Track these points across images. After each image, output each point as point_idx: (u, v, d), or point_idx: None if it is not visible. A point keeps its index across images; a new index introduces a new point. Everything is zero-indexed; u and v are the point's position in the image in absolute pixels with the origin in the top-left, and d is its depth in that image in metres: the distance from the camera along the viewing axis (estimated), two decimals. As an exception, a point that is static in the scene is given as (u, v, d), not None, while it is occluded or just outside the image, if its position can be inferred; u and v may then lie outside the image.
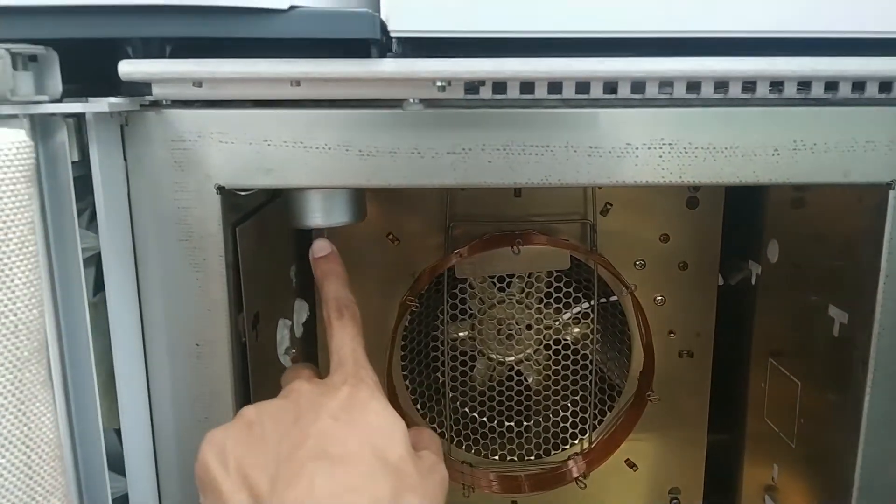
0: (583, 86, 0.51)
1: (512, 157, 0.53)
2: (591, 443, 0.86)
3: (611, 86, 0.52)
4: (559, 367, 0.86)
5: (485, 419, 0.88)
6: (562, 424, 0.87)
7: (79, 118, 0.48)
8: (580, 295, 0.85)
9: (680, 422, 0.88)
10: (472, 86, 0.51)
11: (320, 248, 0.61)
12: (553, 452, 0.88)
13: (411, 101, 0.51)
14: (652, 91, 0.51)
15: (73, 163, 0.48)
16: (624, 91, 0.51)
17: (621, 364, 0.86)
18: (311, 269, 0.81)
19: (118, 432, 0.55)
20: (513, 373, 0.88)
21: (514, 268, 0.82)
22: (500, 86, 0.51)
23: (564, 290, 0.84)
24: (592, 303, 0.83)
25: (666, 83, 0.51)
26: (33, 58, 0.46)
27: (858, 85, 0.52)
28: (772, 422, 0.78)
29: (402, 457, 0.46)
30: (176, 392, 0.56)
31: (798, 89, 0.53)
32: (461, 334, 0.86)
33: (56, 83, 0.46)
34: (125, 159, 0.52)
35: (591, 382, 0.86)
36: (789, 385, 0.74)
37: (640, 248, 0.83)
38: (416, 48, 0.49)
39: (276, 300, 0.72)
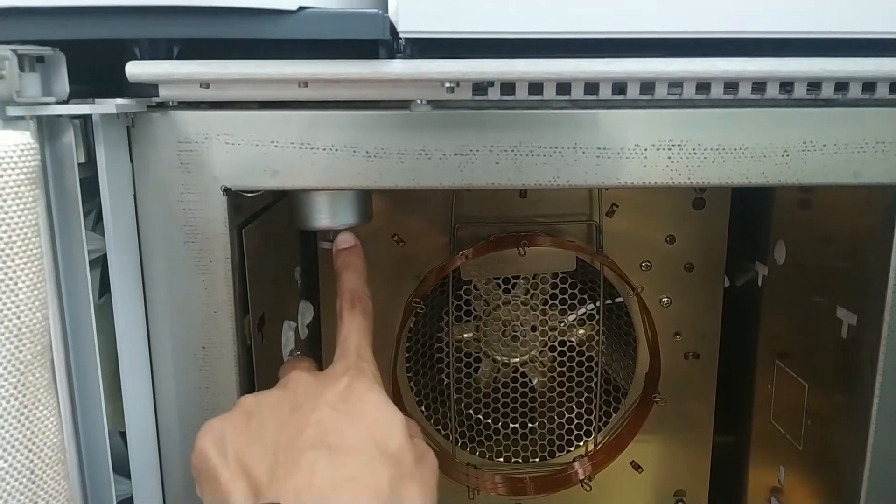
0: (591, 86, 0.51)
1: (520, 158, 0.53)
2: (596, 445, 0.86)
3: (619, 86, 0.52)
4: (564, 369, 0.86)
5: (489, 421, 0.88)
6: (567, 426, 0.87)
7: (85, 119, 0.48)
8: (585, 296, 0.84)
9: (685, 423, 0.87)
10: (481, 87, 0.50)
11: (344, 239, 0.61)
12: (558, 454, 0.87)
13: (419, 102, 0.51)
14: (661, 92, 0.51)
15: (79, 164, 0.47)
16: (633, 92, 0.51)
17: (627, 366, 0.86)
18: (316, 271, 0.81)
19: (123, 434, 0.55)
20: (517, 374, 0.87)
21: (520, 269, 0.82)
22: (508, 86, 0.51)
23: (569, 291, 0.84)
24: (598, 304, 0.83)
25: (675, 84, 0.51)
26: (40, 59, 0.45)
27: (869, 86, 0.52)
28: (778, 424, 0.78)
29: (402, 446, 0.46)
30: (181, 394, 0.56)
31: (808, 90, 0.52)
32: (466, 336, 0.86)
33: (63, 84, 0.45)
34: (131, 161, 0.51)
35: (596, 384, 0.85)
36: (796, 387, 0.73)
37: (646, 249, 0.83)
38: (424, 49, 0.49)
39: (281, 302, 0.72)
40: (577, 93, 0.51)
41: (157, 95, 0.50)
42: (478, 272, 0.82)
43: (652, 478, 0.89)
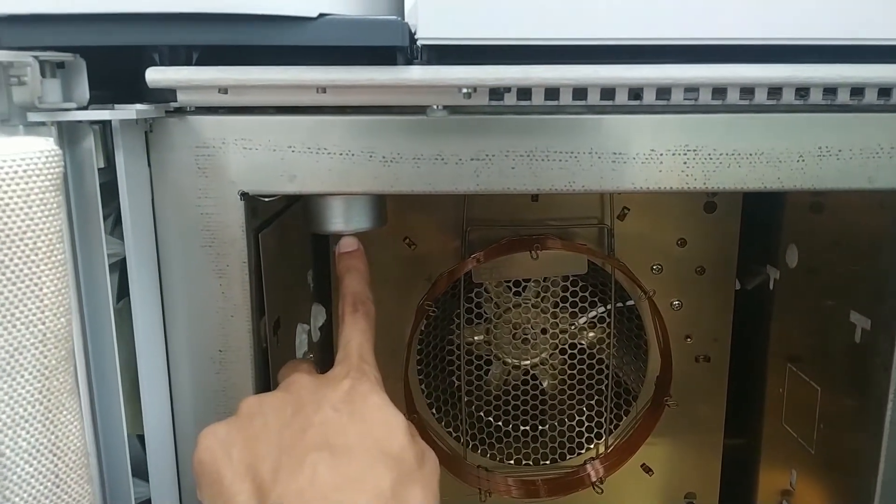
0: (607, 92, 0.51)
1: (536, 163, 0.53)
2: (607, 447, 0.86)
3: (635, 92, 0.52)
4: (575, 372, 0.86)
5: (500, 423, 0.88)
6: (578, 429, 0.87)
7: (105, 125, 0.48)
8: (596, 299, 0.85)
9: (696, 426, 0.87)
10: (497, 92, 0.51)
11: (347, 244, 0.62)
12: (569, 457, 0.87)
13: (435, 107, 0.51)
14: (677, 97, 0.51)
15: (98, 169, 0.48)
16: (649, 97, 0.51)
17: (637, 368, 0.86)
18: (328, 274, 0.82)
19: (140, 438, 0.55)
20: (528, 377, 0.88)
21: (532, 272, 0.82)
22: (524, 92, 0.51)
23: (580, 294, 0.84)
24: (609, 307, 0.83)
25: (691, 89, 0.51)
26: (61, 65, 0.46)
27: (884, 91, 0.52)
28: (790, 427, 0.78)
29: (404, 447, 0.46)
30: (198, 398, 0.56)
31: (824, 95, 0.52)
32: (476, 338, 0.86)
33: (83, 90, 0.46)
34: (149, 165, 0.52)
35: (607, 387, 0.85)
36: (808, 390, 0.73)
37: (658, 252, 0.83)
38: (441, 55, 0.49)
39: (294, 305, 0.72)
40: (594, 98, 0.51)
41: (175, 101, 0.51)
42: (489, 275, 0.82)
43: (663, 481, 0.89)
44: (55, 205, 0.39)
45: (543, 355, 0.87)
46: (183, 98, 0.50)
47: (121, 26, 0.44)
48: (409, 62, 0.49)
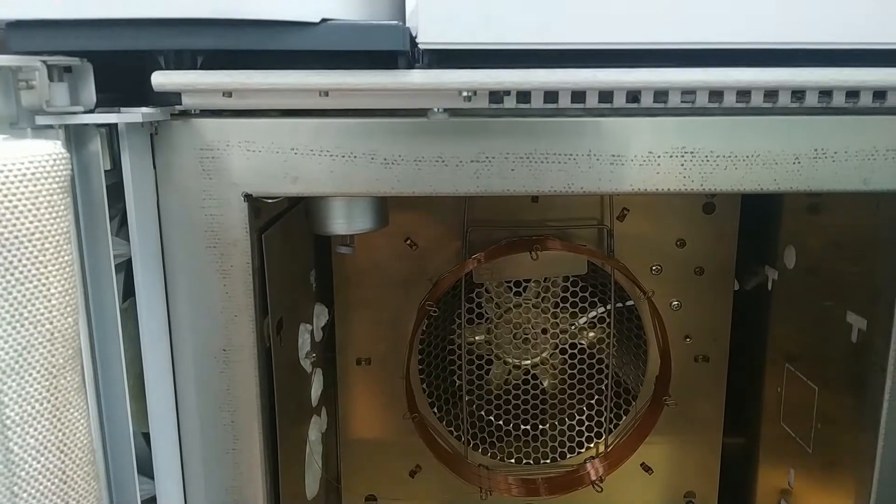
0: (606, 95, 0.52)
1: (535, 165, 0.54)
2: (607, 446, 0.87)
3: (633, 95, 0.52)
4: (575, 371, 0.87)
5: (501, 422, 0.89)
6: (578, 428, 0.88)
7: (111, 127, 0.49)
8: (596, 299, 0.85)
9: (695, 426, 0.88)
10: (497, 95, 0.51)
11: None
12: (569, 455, 0.88)
13: (436, 110, 0.52)
14: (675, 100, 0.52)
15: (105, 171, 0.48)
16: (647, 100, 0.52)
17: (637, 368, 0.87)
18: (330, 274, 0.82)
19: (145, 435, 0.56)
20: (529, 376, 0.88)
21: (532, 273, 0.83)
22: (524, 95, 0.52)
23: (580, 294, 0.85)
24: (609, 307, 0.84)
25: (688, 92, 0.52)
26: (68, 69, 0.46)
27: (879, 94, 0.53)
28: (788, 426, 0.78)
29: None
30: (202, 396, 0.57)
31: (819, 98, 0.53)
32: (478, 338, 0.87)
33: (90, 94, 0.47)
34: (154, 167, 0.52)
35: (607, 386, 0.86)
36: (806, 390, 0.74)
37: (657, 253, 0.83)
38: (442, 59, 0.50)
39: (297, 305, 0.73)
40: (592, 101, 0.52)
41: (180, 103, 0.51)
42: (490, 276, 0.83)
43: (662, 479, 0.90)
44: (63, 207, 0.40)
45: (544, 355, 0.88)
46: (188, 101, 0.51)
47: (127, 31, 0.45)
48: (411, 65, 0.50)
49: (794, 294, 0.78)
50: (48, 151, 0.39)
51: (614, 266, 0.81)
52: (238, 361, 0.56)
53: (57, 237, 0.40)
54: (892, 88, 0.53)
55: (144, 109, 0.48)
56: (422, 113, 0.53)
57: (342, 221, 0.62)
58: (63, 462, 0.41)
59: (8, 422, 0.38)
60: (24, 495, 0.39)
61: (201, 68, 0.49)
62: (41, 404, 0.40)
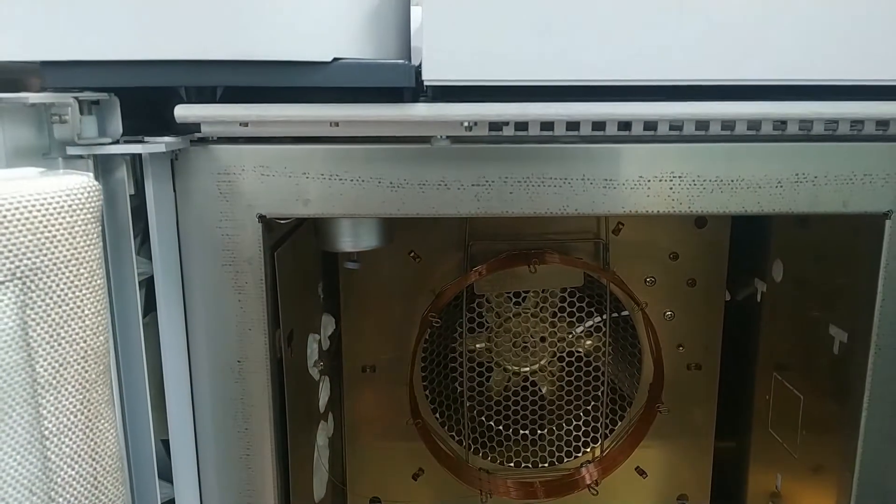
0: (599, 124, 0.55)
1: (532, 188, 0.57)
2: (602, 451, 0.90)
3: (625, 123, 0.56)
4: (572, 378, 0.90)
5: (501, 427, 0.92)
6: (575, 433, 0.91)
7: (135, 155, 0.52)
8: (593, 309, 0.89)
9: (688, 431, 0.91)
10: (497, 124, 0.55)
11: None
12: (566, 460, 0.91)
13: (439, 137, 0.55)
14: (663, 129, 0.55)
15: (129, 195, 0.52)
16: (637, 129, 0.55)
17: (632, 376, 0.90)
18: (337, 286, 0.86)
19: (164, 443, 0.59)
20: (528, 383, 0.91)
21: (531, 284, 0.86)
22: (522, 124, 0.55)
23: (577, 304, 0.88)
24: (604, 317, 0.87)
25: (676, 123, 0.55)
26: (95, 102, 0.50)
27: (856, 123, 0.56)
28: (776, 433, 0.82)
29: None
30: (217, 405, 0.60)
31: (800, 127, 0.56)
32: (479, 346, 0.90)
33: (117, 126, 0.50)
34: (174, 190, 0.56)
35: (603, 393, 0.89)
36: (792, 398, 0.77)
37: (651, 265, 0.87)
38: (444, 92, 0.53)
39: (306, 316, 0.76)
40: (586, 129, 0.55)
41: (199, 131, 0.55)
42: (491, 287, 0.86)
43: (656, 483, 0.93)
44: (95, 235, 0.43)
45: (542, 362, 0.91)
46: (207, 129, 0.54)
47: (154, 70, 0.48)
48: (416, 97, 0.53)
49: (781, 306, 0.82)
50: (83, 184, 0.42)
51: (610, 278, 0.84)
52: (251, 372, 0.60)
53: (90, 263, 0.43)
54: (869, 119, 0.56)
55: (167, 139, 0.51)
56: (425, 140, 0.56)
57: (349, 240, 0.66)
58: (95, 469, 0.45)
59: (46, 433, 0.42)
60: (60, 500, 0.43)
61: (220, 100, 0.53)
62: (76, 416, 0.43)
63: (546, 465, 0.91)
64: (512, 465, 0.92)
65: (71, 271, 0.42)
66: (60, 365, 0.42)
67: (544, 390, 0.92)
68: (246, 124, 0.53)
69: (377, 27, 0.52)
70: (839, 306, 0.68)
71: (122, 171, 0.51)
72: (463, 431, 0.90)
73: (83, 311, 0.43)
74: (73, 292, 0.42)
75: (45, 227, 0.40)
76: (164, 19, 0.47)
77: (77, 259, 0.42)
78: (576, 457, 0.91)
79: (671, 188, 0.57)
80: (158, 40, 0.47)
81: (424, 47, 0.49)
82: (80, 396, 0.43)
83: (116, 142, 0.50)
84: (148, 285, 0.56)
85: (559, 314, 0.89)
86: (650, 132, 0.56)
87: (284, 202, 0.57)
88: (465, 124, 0.53)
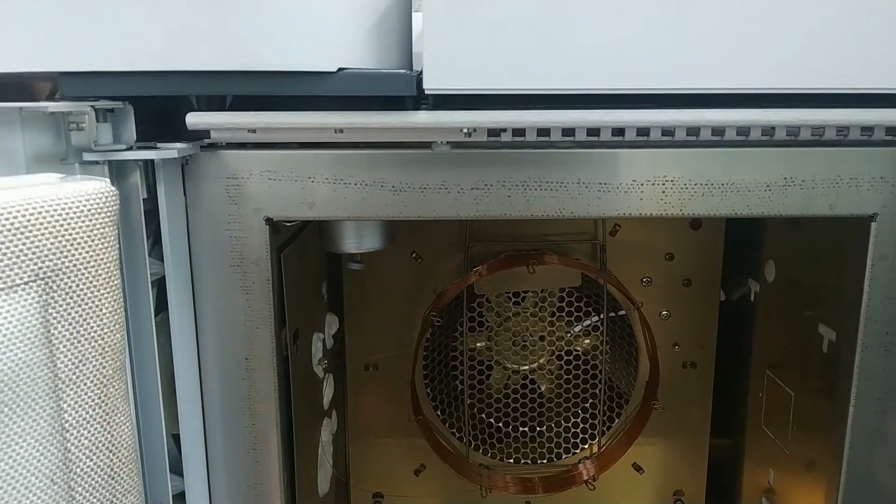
0: (593, 130, 0.57)
1: (529, 192, 0.59)
2: (600, 447, 0.92)
3: (618, 129, 0.58)
4: (570, 376, 0.92)
5: (501, 424, 0.94)
6: (573, 430, 0.93)
7: (147, 160, 0.54)
8: (590, 309, 0.91)
9: (684, 428, 0.93)
10: (495, 131, 0.57)
11: None
12: (564, 456, 0.94)
13: (439, 143, 0.57)
14: (656, 135, 0.57)
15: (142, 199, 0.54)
16: (631, 135, 0.57)
17: (629, 374, 0.92)
18: (340, 286, 0.88)
19: (175, 437, 0.62)
20: (527, 381, 0.94)
21: (530, 284, 0.88)
22: (519, 131, 0.57)
23: (575, 304, 0.90)
24: (602, 317, 0.89)
25: (668, 129, 0.57)
26: (110, 110, 0.52)
27: (842, 129, 0.58)
28: (768, 429, 0.84)
29: None
30: (225, 402, 0.62)
31: (787, 133, 0.58)
32: (479, 345, 0.92)
33: (131, 132, 0.52)
34: (185, 194, 0.58)
35: (600, 390, 0.91)
36: (784, 395, 0.79)
37: (647, 266, 0.89)
38: (444, 99, 0.55)
39: (311, 315, 0.78)
40: (581, 135, 0.57)
41: (209, 137, 0.57)
42: (490, 287, 0.88)
43: (652, 479, 0.95)
44: (113, 237, 0.46)
45: (541, 361, 0.93)
46: (216, 136, 0.56)
47: (167, 80, 0.50)
48: (417, 105, 0.55)
49: (773, 305, 0.84)
50: (101, 189, 0.45)
51: (607, 279, 0.87)
52: (258, 369, 0.62)
53: (108, 264, 0.45)
54: (854, 125, 0.58)
55: (179, 145, 0.53)
56: (426, 145, 0.58)
57: (353, 241, 0.68)
58: (112, 461, 0.47)
59: (66, 425, 0.44)
60: (80, 489, 0.45)
61: (230, 108, 0.55)
62: (94, 410, 0.45)
63: (544, 461, 0.94)
64: (511, 461, 0.94)
65: (90, 272, 0.44)
66: (80, 361, 0.44)
67: (543, 388, 0.94)
68: (254, 131, 0.55)
69: (380, 37, 0.54)
70: (828, 306, 0.70)
71: (135, 177, 0.53)
72: (463, 428, 0.92)
73: (101, 310, 0.45)
74: (92, 292, 0.44)
75: (66, 230, 0.43)
76: (178, 32, 0.49)
77: (96, 261, 0.44)
78: (573, 453, 0.94)
79: (664, 191, 0.59)
80: (172, 52, 0.49)
81: (425, 58, 0.51)
82: (98, 391, 0.46)
83: (130, 148, 0.52)
84: (159, 285, 0.58)
85: (558, 314, 0.91)
86: (643, 138, 0.58)
87: (291, 205, 0.59)
88: (465, 131, 0.55)
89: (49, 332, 0.42)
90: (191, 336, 0.60)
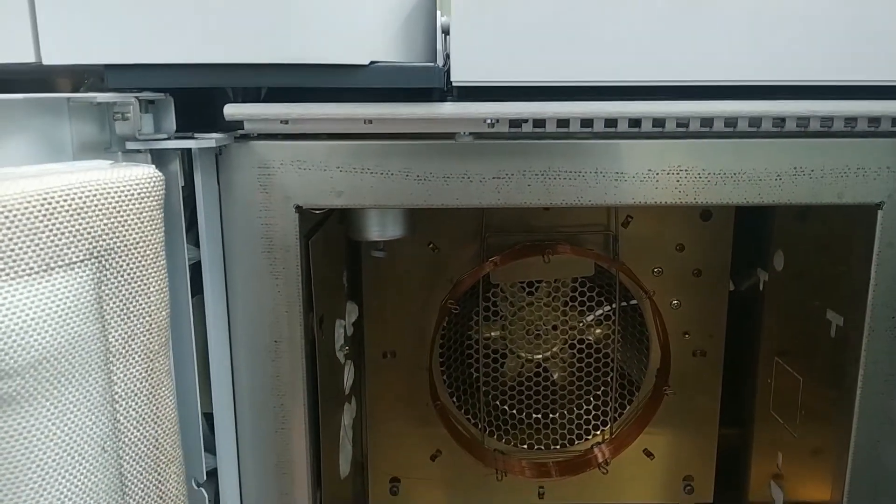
0: (611, 121, 0.60)
1: (549, 181, 0.62)
2: (612, 433, 0.95)
3: (635, 121, 0.60)
4: (583, 365, 0.95)
5: (515, 411, 0.97)
6: (585, 416, 0.96)
7: (185, 149, 0.57)
8: (603, 299, 0.93)
9: (693, 415, 0.96)
10: (516, 122, 0.59)
11: None
12: (577, 442, 0.96)
13: (462, 133, 0.60)
14: (671, 126, 0.60)
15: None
16: (646, 126, 0.60)
17: (640, 362, 0.95)
18: (359, 274, 0.90)
19: (207, 416, 0.64)
20: (540, 369, 0.96)
21: (544, 274, 0.90)
22: (539, 121, 0.59)
23: (588, 294, 0.93)
24: (614, 306, 0.92)
25: (683, 120, 0.60)
26: (152, 101, 0.55)
27: (850, 120, 0.60)
28: (777, 414, 0.86)
29: None
30: (255, 382, 0.65)
31: (798, 124, 0.61)
32: (493, 334, 0.95)
33: (171, 123, 0.55)
34: (218, 183, 0.60)
35: (612, 378, 0.94)
36: (793, 381, 0.82)
37: (658, 256, 0.91)
38: (469, 92, 0.58)
39: (334, 303, 0.81)
40: (599, 126, 0.60)
41: (242, 128, 0.59)
42: (505, 277, 0.90)
43: (663, 464, 0.98)
44: (159, 220, 0.48)
45: (554, 349, 0.95)
46: (249, 126, 0.59)
47: (206, 72, 0.53)
48: (443, 97, 0.58)
49: (782, 294, 0.86)
50: (150, 175, 0.47)
51: (619, 268, 0.89)
52: (287, 352, 0.64)
53: (155, 245, 0.48)
54: (862, 116, 0.60)
55: (216, 135, 0.56)
56: (450, 136, 0.61)
57: (377, 229, 0.70)
58: (157, 431, 0.49)
59: (116, 396, 0.47)
60: (127, 458, 0.48)
61: (264, 100, 0.57)
62: (141, 383, 0.48)
63: (558, 446, 0.96)
64: (525, 446, 0.96)
65: (139, 252, 0.47)
66: (129, 336, 0.47)
67: (556, 376, 0.96)
68: (286, 122, 0.58)
69: (409, 32, 0.56)
70: (836, 292, 0.72)
71: (175, 165, 0.56)
72: (479, 415, 0.95)
73: (149, 289, 0.48)
74: (141, 271, 0.47)
75: (118, 212, 0.45)
76: (218, 26, 0.52)
77: (144, 241, 0.47)
78: (586, 439, 0.96)
79: (678, 181, 0.62)
80: (212, 46, 0.52)
81: (452, 51, 0.54)
82: (146, 365, 0.48)
83: (170, 138, 0.55)
84: (193, 270, 0.61)
85: (570, 303, 0.93)
86: (658, 129, 0.60)
87: (319, 194, 0.61)
88: (488, 121, 0.57)
89: (102, 307, 0.45)
90: (223, 319, 0.63)
